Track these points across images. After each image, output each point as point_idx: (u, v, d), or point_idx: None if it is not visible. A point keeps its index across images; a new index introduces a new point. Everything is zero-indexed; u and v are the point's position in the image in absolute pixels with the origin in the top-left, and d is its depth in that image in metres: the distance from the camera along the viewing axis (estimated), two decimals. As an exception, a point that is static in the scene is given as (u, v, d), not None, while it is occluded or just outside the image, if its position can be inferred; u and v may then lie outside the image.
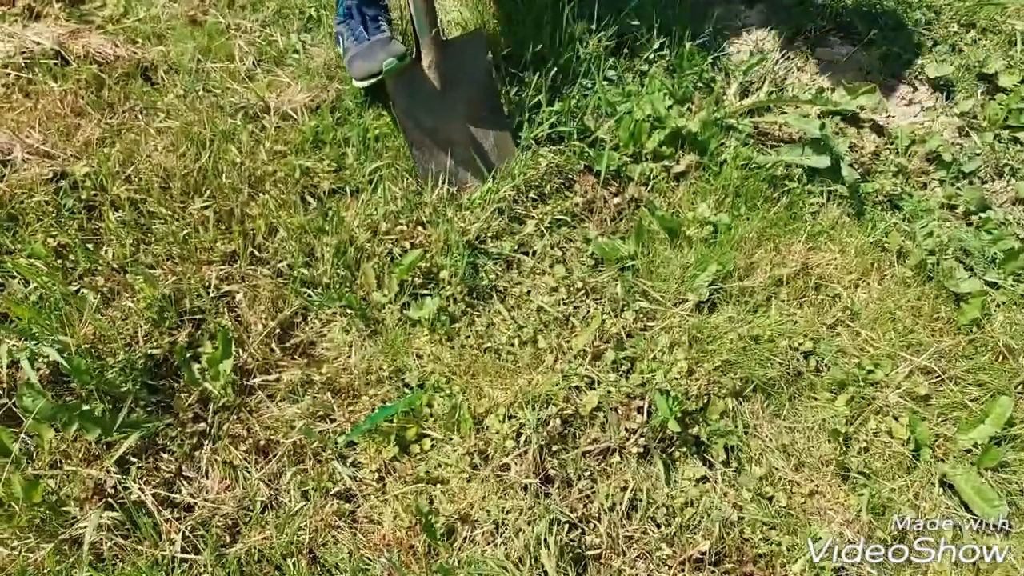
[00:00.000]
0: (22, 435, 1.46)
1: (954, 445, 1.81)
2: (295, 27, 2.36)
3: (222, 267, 1.80)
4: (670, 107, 2.19)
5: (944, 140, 2.37)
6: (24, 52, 2.10)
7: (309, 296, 1.81)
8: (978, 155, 2.37)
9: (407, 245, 1.92)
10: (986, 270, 2.16)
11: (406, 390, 1.72)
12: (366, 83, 2.08)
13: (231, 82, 2.17)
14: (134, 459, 1.51)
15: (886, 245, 2.16)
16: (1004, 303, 2.10)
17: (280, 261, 1.84)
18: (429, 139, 2.05)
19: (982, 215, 2.30)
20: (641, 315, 1.91)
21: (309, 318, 1.81)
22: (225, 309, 1.76)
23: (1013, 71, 2.42)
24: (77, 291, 1.69)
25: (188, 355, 1.64)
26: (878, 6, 2.52)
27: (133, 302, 1.68)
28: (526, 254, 2.00)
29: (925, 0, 2.58)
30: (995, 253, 2.18)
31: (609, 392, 1.73)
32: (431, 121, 2.05)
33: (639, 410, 1.72)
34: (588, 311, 1.90)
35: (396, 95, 2.00)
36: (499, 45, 2.26)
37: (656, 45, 2.31)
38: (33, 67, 2.08)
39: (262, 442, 1.59)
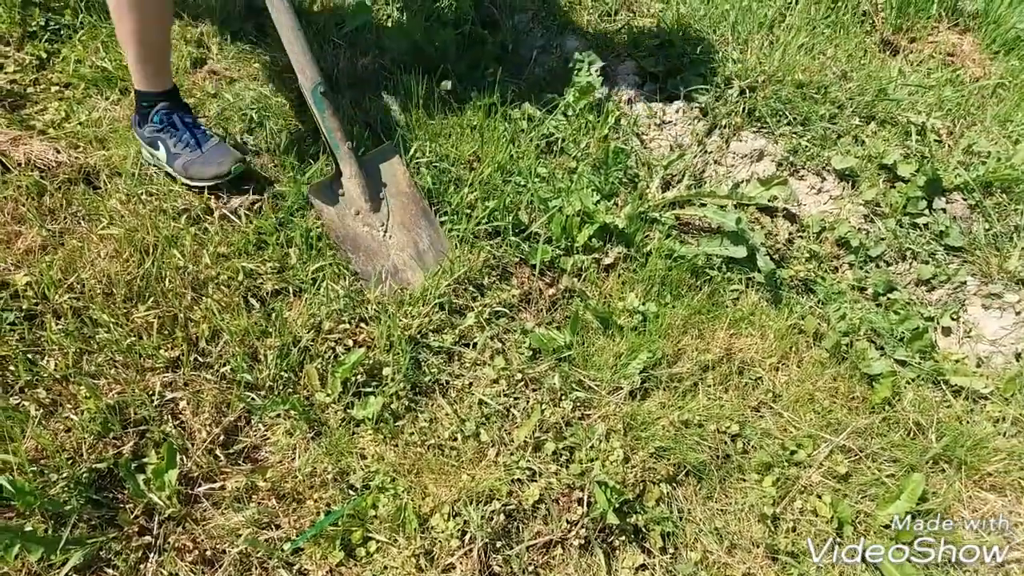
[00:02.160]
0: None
1: (874, 521, 1.92)
2: (237, 129, 2.43)
3: (165, 374, 1.82)
4: (598, 202, 2.32)
5: (852, 226, 2.56)
6: (-38, 161, 2.11)
7: (252, 400, 1.84)
8: (883, 240, 2.56)
9: (350, 343, 1.97)
10: (895, 349, 2.32)
11: (351, 492, 1.75)
12: (210, 183, 2.17)
13: (174, 185, 2.21)
14: (77, 576, 1.51)
15: (803, 328, 2.30)
16: (912, 380, 2.25)
17: (223, 365, 1.87)
18: (363, 245, 2.15)
19: (890, 296, 2.48)
20: (578, 404, 2.00)
21: (253, 422, 1.84)
22: (169, 417, 1.77)
23: (910, 162, 2.63)
24: (18, 405, 1.69)
25: (133, 466, 1.64)
26: (787, 103, 2.72)
27: (76, 414, 1.69)
28: (467, 346, 2.07)
29: (829, 95, 2.80)
30: (903, 332, 2.35)
31: (550, 483, 1.80)
32: (362, 228, 2.15)
33: (579, 501, 1.79)
34: (528, 402, 1.98)
35: (321, 207, 2.13)
36: (435, 149, 2.37)
37: (583, 144, 2.45)
38: (-29, 176, 2.10)
39: (208, 552, 1.60)
